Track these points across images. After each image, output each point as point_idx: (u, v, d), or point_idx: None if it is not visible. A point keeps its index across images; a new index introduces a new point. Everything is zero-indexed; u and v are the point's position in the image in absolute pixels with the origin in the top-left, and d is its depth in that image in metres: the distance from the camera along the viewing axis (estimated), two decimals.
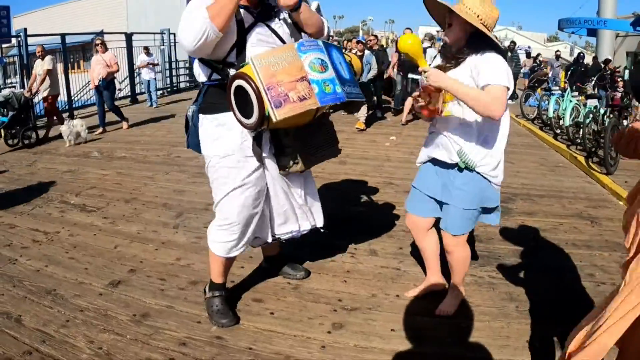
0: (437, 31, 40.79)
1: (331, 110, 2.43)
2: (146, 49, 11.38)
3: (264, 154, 2.24)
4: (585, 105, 7.14)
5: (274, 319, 2.45)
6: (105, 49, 7.81)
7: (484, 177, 2.25)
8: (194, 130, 2.36)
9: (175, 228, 3.67)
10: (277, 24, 2.24)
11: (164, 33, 13.49)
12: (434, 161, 2.38)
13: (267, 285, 2.78)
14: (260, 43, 2.15)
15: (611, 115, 6.31)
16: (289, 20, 2.29)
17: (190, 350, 2.19)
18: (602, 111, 6.56)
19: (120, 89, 9.93)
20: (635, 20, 10.90)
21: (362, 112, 8.15)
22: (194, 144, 2.41)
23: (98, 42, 7.77)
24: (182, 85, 14.90)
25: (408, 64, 9.01)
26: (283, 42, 2.19)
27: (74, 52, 12.89)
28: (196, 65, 2.26)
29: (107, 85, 7.70)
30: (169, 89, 13.91)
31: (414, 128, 8.45)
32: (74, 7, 19.55)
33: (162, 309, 2.53)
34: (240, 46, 2.12)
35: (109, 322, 2.41)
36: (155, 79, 11.22)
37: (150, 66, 10.93)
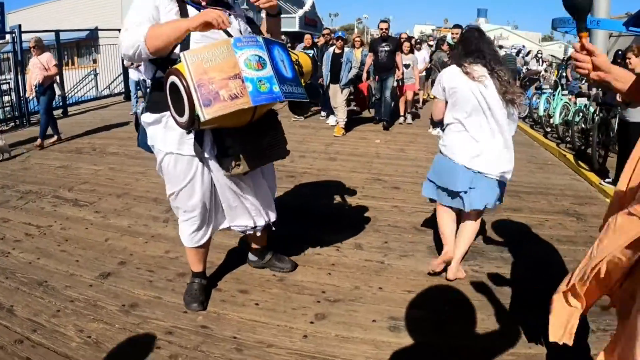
0: (432, 29, 40.74)
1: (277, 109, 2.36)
2: None
3: (205, 155, 2.20)
4: (575, 103, 7.23)
5: (258, 309, 2.52)
6: (42, 51, 6.69)
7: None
8: (143, 129, 2.34)
9: (165, 222, 3.73)
10: None
11: None
12: None
13: (252, 277, 2.85)
14: (204, 39, 2.04)
15: (600, 114, 6.39)
16: (245, 20, 2.27)
17: (176, 338, 2.26)
18: (591, 109, 6.64)
19: (61, 95, 8.30)
20: (628, 20, 10.95)
21: (342, 116, 7.62)
22: (143, 143, 2.39)
23: (32, 44, 6.65)
24: None
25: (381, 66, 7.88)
26: None
27: (68, 48, 12.86)
28: (144, 64, 2.22)
29: (44, 91, 6.63)
30: None
31: (403, 127, 8.50)
32: (68, 4, 19.47)
33: (150, 300, 2.60)
34: (183, 43, 2.02)
35: (98, 312, 2.47)
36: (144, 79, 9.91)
37: (134, 65, 9.46)
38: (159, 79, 2.10)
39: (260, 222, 2.53)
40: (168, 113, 2.06)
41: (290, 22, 23.58)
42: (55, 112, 9.39)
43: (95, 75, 13.31)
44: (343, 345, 2.24)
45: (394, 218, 3.87)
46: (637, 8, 5.33)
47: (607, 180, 4.90)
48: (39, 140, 6.54)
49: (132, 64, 9.18)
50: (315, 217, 3.83)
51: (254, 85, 1.77)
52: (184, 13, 2.10)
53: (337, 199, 4.38)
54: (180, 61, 1.81)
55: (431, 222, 3.81)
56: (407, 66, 8.34)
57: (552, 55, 19.88)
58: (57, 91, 7.21)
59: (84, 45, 16.13)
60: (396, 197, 4.42)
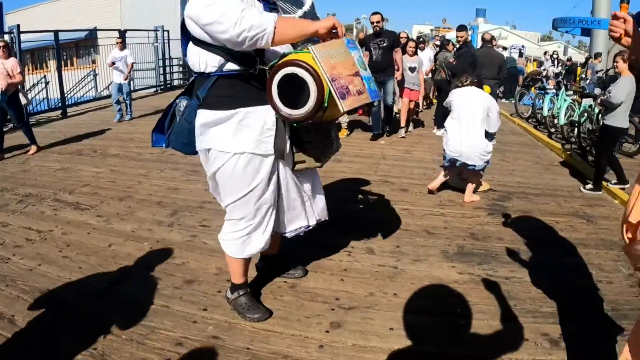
0: (431, 29, 40.69)
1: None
2: (120, 42, 8.86)
3: (287, 150, 2.13)
4: (580, 104, 7.16)
5: (271, 318, 2.42)
6: (9, 54, 5.85)
7: None
8: (185, 127, 2.18)
9: (170, 226, 3.62)
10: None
11: (158, 30, 13.36)
12: None
13: (264, 284, 2.75)
14: None
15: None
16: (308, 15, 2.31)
17: (186, 350, 2.16)
18: (596, 110, 6.57)
19: (28, 103, 7.07)
20: None
21: (344, 118, 7.18)
22: (180, 143, 2.26)
23: (1, 43, 5.93)
24: (175, 82, 14.80)
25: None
26: None
27: (67, 49, 12.73)
28: (201, 53, 2.01)
29: (9, 100, 5.88)
30: (162, 87, 13.81)
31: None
32: (68, 4, 19.32)
33: (157, 309, 2.50)
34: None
35: (103, 322, 2.36)
36: (127, 82, 8.73)
37: (116, 66, 8.51)
38: (232, 71, 2.01)
39: (312, 222, 2.50)
40: (242, 110, 2.04)
41: None
42: (54, 113, 9.38)
43: (95, 75, 13.20)
44: (361, 355, 2.15)
45: (405, 221, 3.78)
46: (637, 8, 5.29)
47: (613, 182, 4.84)
48: (33, 147, 6.18)
49: (113, 63, 8.42)
50: (324, 221, 3.72)
51: (367, 84, 1.93)
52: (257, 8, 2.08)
53: (345, 201, 4.28)
54: (288, 54, 1.91)
55: (442, 227, 3.74)
56: (412, 69, 7.52)
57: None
58: (23, 100, 6.23)
59: (83, 45, 16.01)
60: (405, 200, 4.33)
